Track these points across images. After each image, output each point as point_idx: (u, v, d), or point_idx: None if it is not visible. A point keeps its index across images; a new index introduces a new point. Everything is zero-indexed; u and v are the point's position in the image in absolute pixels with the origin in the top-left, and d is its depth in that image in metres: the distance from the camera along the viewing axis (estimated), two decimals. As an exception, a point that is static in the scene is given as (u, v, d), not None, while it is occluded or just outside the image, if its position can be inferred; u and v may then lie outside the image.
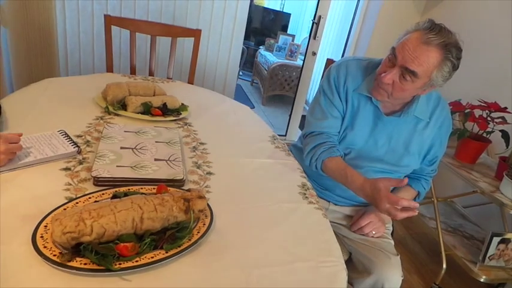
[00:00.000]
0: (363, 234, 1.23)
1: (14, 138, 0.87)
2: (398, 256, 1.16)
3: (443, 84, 1.04)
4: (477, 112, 1.81)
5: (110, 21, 1.80)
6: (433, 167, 1.28)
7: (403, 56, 1.00)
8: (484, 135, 1.82)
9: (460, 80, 2.42)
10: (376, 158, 1.19)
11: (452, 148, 1.95)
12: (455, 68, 1.01)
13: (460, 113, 1.85)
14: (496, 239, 1.64)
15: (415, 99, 1.12)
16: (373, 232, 1.22)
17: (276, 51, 4.90)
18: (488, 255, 1.66)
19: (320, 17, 2.81)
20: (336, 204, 1.33)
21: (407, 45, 1.00)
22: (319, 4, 2.79)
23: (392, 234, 1.32)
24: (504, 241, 1.66)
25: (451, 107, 1.89)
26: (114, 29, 1.82)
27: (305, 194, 1.04)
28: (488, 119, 1.77)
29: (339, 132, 1.21)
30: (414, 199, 1.31)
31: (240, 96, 4.55)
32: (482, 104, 1.80)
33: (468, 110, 1.82)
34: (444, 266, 1.81)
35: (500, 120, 1.75)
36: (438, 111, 1.18)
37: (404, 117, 1.15)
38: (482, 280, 1.67)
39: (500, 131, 1.76)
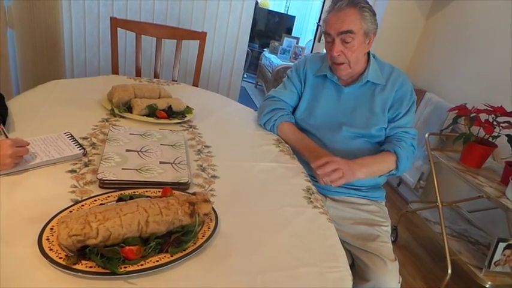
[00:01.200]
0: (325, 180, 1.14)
1: (21, 142, 0.87)
2: (396, 261, 1.15)
3: (375, 28, 1.26)
4: (483, 116, 1.80)
5: (115, 23, 1.80)
6: (403, 130, 1.29)
7: (333, 27, 1.22)
8: (490, 139, 1.81)
9: (466, 84, 2.41)
10: (348, 123, 1.33)
11: (458, 152, 1.94)
12: (372, 11, 1.24)
13: (465, 117, 1.84)
14: (501, 245, 1.63)
15: (367, 67, 1.33)
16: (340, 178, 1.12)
17: (280, 53, 4.91)
18: (494, 261, 1.65)
19: (325, 19, 2.81)
20: (333, 200, 1.32)
21: (330, 20, 1.23)
22: (324, 7, 2.79)
23: (396, 239, 1.31)
24: (510, 247, 1.64)
25: (456, 110, 1.89)
26: (120, 30, 1.83)
27: (310, 198, 1.04)
28: (494, 123, 1.76)
29: (294, 108, 1.45)
30: (396, 165, 1.25)
31: (244, 98, 4.56)
32: (488, 108, 1.79)
33: (474, 114, 1.81)
34: (449, 271, 1.79)
35: (506, 124, 1.73)
36: (394, 75, 1.34)
37: (360, 85, 1.32)
38: (487, 286, 1.65)
39: (506, 135, 1.75)
